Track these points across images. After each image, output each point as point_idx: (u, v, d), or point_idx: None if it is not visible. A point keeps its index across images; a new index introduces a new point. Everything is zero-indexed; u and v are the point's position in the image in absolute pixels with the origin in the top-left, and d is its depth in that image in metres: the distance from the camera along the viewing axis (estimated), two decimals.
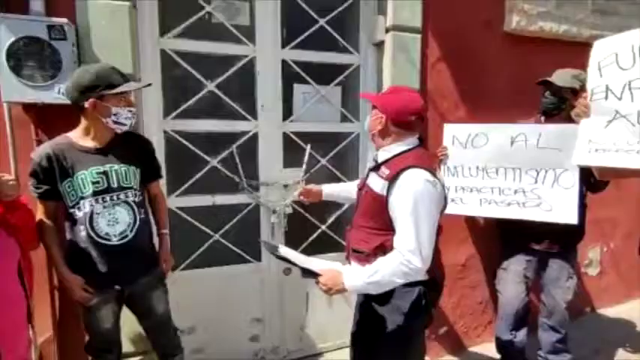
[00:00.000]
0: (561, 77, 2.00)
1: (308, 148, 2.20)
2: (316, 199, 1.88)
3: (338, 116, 2.38)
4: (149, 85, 1.69)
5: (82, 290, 1.47)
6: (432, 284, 1.48)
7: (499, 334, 2.34)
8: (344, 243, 2.38)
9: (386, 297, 1.44)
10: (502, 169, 2.06)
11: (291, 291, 2.37)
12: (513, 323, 2.27)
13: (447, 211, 1.99)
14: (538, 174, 1.99)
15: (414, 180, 1.32)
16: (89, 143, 1.49)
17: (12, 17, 1.50)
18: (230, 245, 2.21)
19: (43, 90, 1.56)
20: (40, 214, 1.48)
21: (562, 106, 2.02)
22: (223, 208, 2.17)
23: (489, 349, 2.55)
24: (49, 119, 1.64)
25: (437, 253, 1.48)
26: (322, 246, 2.38)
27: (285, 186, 2.24)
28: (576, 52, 2.51)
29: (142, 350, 1.89)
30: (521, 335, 2.29)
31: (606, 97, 1.53)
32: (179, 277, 2.07)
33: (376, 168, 1.46)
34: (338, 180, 2.35)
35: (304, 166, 2.21)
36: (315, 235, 2.38)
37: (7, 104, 1.58)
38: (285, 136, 2.24)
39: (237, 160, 2.14)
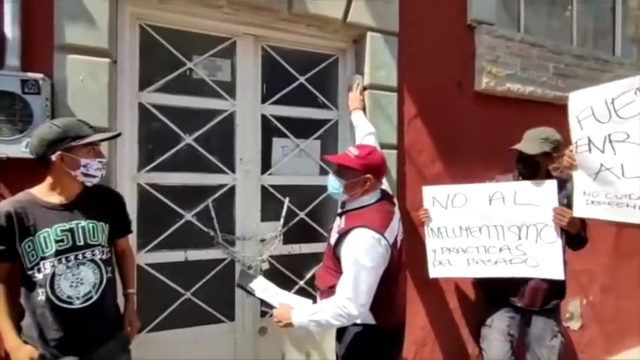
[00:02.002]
0: (530, 143, 2.04)
1: (286, 201, 2.18)
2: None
3: (317, 169, 2.39)
4: (119, 135, 1.62)
5: None
6: (375, 331, 1.62)
7: None
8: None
9: (340, 335, 1.69)
10: (485, 227, 2.05)
11: (266, 352, 2.22)
12: None
13: (437, 274, 2.11)
14: (520, 230, 1.99)
15: (360, 237, 1.48)
16: (54, 199, 1.42)
17: None
18: (202, 304, 2.09)
19: (9, 144, 1.51)
20: None
21: (537, 170, 2.07)
22: (196, 264, 2.07)
23: None
24: (14, 174, 1.57)
25: (396, 301, 1.68)
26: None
27: (262, 240, 2.17)
28: (543, 110, 2.71)
29: None
30: None
31: (590, 150, 1.58)
32: (145, 339, 1.91)
33: (342, 214, 1.66)
34: (317, 233, 2.31)
35: (282, 220, 2.18)
36: (293, 291, 2.28)
37: None
38: (264, 189, 2.22)
39: (213, 213, 2.08)
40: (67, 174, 1.41)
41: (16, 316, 1.38)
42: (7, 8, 1.55)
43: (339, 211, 1.70)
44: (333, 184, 1.66)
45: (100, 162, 1.46)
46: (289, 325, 1.55)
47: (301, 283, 2.31)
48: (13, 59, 1.55)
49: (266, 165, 2.24)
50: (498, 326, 2.21)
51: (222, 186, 2.13)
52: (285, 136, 2.29)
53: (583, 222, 1.97)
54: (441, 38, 2.49)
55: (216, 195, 2.12)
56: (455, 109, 2.55)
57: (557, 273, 1.92)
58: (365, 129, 2.10)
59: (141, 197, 1.97)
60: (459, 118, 2.56)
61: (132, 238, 1.79)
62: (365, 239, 1.47)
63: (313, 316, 1.50)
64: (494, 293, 2.25)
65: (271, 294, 1.75)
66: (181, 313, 2.05)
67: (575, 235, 1.96)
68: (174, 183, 2.05)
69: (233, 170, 2.15)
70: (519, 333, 2.22)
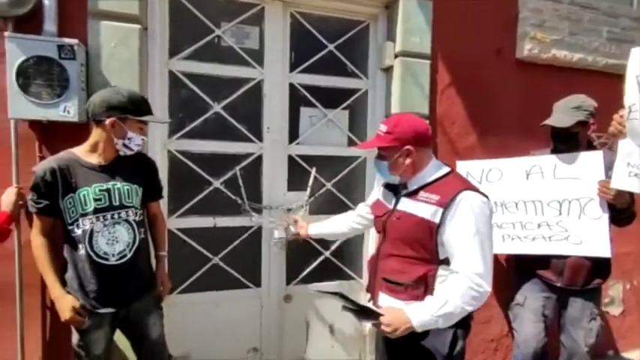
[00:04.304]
0: (561, 114, 1.89)
1: (313, 171, 2.17)
2: (302, 237, 1.92)
3: (345, 140, 2.35)
4: (168, 122, 1.83)
5: (73, 312, 1.41)
6: (467, 322, 1.39)
7: None
8: (347, 270, 2.34)
9: (420, 338, 1.34)
10: (521, 202, 1.96)
11: (290, 319, 2.27)
12: None
13: None
14: (561, 205, 1.89)
15: (472, 202, 1.28)
16: (94, 160, 1.48)
17: (22, 37, 1.54)
18: (229, 269, 2.15)
19: (49, 108, 1.57)
20: (36, 229, 1.45)
21: (575, 143, 1.92)
22: (224, 231, 2.12)
23: None
24: (53, 136, 1.65)
25: None
26: (325, 273, 2.30)
27: (289, 210, 2.18)
28: (593, 80, 2.49)
29: None
30: None
31: None
32: (175, 300, 2.00)
33: (411, 194, 1.40)
34: (343, 204, 2.29)
35: (309, 190, 2.18)
36: (317, 262, 2.30)
37: (14, 120, 1.59)
38: (290, 159, 2.21)
39: (241, 182, 2.11)
40: (110, 139, 1.46)
41: (60, 268, 1.48)
42: None
43: (405, 191, 1.44)
44: (380, 168, 1.47)
45: (142, 139, 1.52)
46: (408, 329, 1.25)
47: (327, 253, 2.31)
48: (50, 25, 1.60)
49: (293, 134, 2.23)
50: (532, 306, 2.10)
51: (249, 155, 2.15)
52: (313, 105, 2.26)
53: (631, 196, 1.81)
54: (480, 1, 2.32)
55: (244, 163, 2.13)
56: (492, 78, 2.39)
57: (603, 250, 1.80)
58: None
59: (171, 164, 2.02)
60: (496, 88, 2.41)
61: (163, 204, 1.86)
62: (479, 203, 1.28)
63: (442, 310, 1.23)
64: (528, 270, 2.13)
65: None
66: (209, 277, 2.12)
67: (621, 209, 1.82)
68: (203, 150, 2.08)
69: (260, 139, 2.16)
70: (554, 315, 2.10)
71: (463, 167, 2.09)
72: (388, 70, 2.27)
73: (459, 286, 1.25)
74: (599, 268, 1.97)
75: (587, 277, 1.99)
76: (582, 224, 1.84)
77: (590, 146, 1.96)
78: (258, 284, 2.21)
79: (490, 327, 2.51)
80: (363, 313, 1.34)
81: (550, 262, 2.00)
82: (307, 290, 2.23)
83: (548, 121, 1.92)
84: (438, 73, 2.28)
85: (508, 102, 2.43)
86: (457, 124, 2.34)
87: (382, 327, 1.28)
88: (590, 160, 1.80)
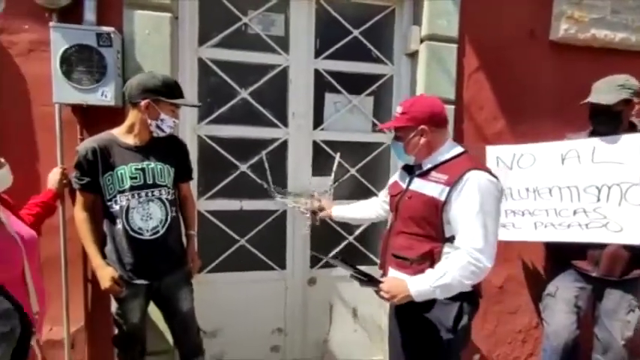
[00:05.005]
0: (604, 93, 1.81)
1: (337, 156, 2.18)
2: (326, 217, 1.95)
3: (369, 126, 2.35)
4: (199, 105, 1.92)
5: (112, 281, 1.52)
6: (473, 297, 1.42)
7: None
8: (370, 255, 2.35)
9: (425, 310, 1.40)
10: (556, 188, 1.89)
11: (314, 301, 2.32)
12: (560, 358, 2.01)
13: (500, 237, 1.85)
14: (600, 191, 1.81)
15: (479, 180, 1.31)
16: (130, 140, 1.58)
17: (65, 27, 1.65)
18: (255, 251, 2.22)
19: (89, 92, 1.68)
20: (78, 205, 1.58)
21: (618, 124, 1.84)
22: (250, 214, 2.20)
23: None
24: (92, 120, 1.77)
25: None
26: (349, 257, 2.31)
27: (312, 195, 2.21)
28: (635, 62, 2.34)
29: (163, 349, 1.91)
30: None
31: None
32: (204, 279, 2.09)
33: (423, 174, 1.44)
34: (367, 190, 2.30)
35: (333, 175, 2.20)
36: (341, 246, 2.32)
37: (58, 105, 1.71)
38: (315, 144, 2.25)
39: (267, 166, 2.16)
40: (144, 121, 1.55)
41: (100, 241, 1.59)
42: None
43: (418, 171, 1.48)
44: (396, 149, 1.52)
45: (174, 122, 1.61)
46: (406, 298, 1.32)
47: (350, 238, 2.34)
48: (89, 15, 1.70)
49: (318, 120, 2.26)
50: (564, 296, 2.02)
51: (275, 140, 2.20)
52: (338, 91, 2.27)
53: None
54: None
55: (270, 148, 2.19)
56: (524, 62, 2.30)
57: None
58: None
59: (200, 148, 2.10)
60: (528, 72, 2.32)
61: (193, 186, 1.94)
62: (485, 182, 1.31)
63: (440, 281, 1.28)
64: (562, 260, 2.05)
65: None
66: (236, 258, 2.20)
67: None
68: (231, 135, 2.15)
69: (286, 124, 2.20)
70: (588, 306, 2.02)
71: (493, 152, 2.04)
72: (414, 55, 2.25)
73: (459, 260, 1.29)
74: (639, 258, 1.88)
75: (626, 267, 1.89)
76: (623, 211, 1.75)
77: (633, 128, 1.86)
78: (283, 266, 2.27)
79: (518, 317, 2.45)
80: (367, 278, 1.39)
81: (586, 252, 1.92)
82: (332, 273, 2.28)
83: (590, 99, 1.84)
84: (465, 57, 2.22)
85: (540, 86, 2.33)
86: (485, 109, 2.28)
87: (381, 293, 1.35)
88: (634, 143, 1.70)
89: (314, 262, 2.30)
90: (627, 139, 1.73)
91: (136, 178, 1.55)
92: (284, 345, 2.30)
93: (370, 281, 1.37)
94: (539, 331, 2.43)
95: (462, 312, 1.38)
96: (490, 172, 1.36)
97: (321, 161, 2.26)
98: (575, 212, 1.87)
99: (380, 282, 1.36)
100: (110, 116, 1.73)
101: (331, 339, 2.37)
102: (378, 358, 2.42)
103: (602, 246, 1.87)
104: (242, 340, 2.22)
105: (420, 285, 1.30)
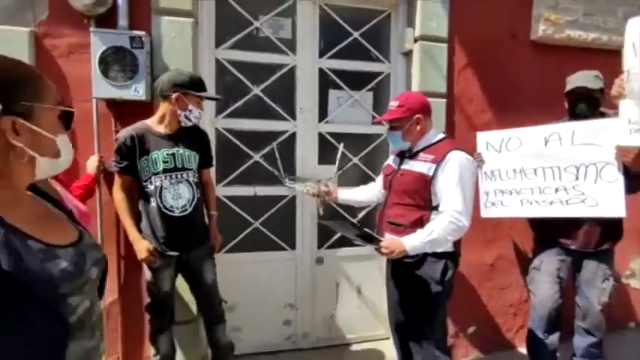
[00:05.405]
0: (586, 81, 2.04)
1: (340, 146, 2.40)
2: (332, 200, 2.16)
3: (369, 119, 2.59)
4: (220, 98, 2.11)
5: (148, 253, 1.74)
6: (455, 256, 1.69)
7: (531, 335, 2.31)
8: (374, 234, 2.57)
9: (417, 268, 1.69)
10: (540, 169, 2.05)
11: (322, 280, 2.53)
12: (546, 325, 2.23)
13: (489, 214, 2.12)
14: (578, 170, 1.97)
15: (459, 158, 1.63)
16: (162, 129, 1.81)
17: (103, 31, 1.88)
18: (268, 233, 2.44)
19: (123, 89, 1.90)
20: (117, 186, 1.80)
21: (596, 108, 2.06)
22: (263, 199, 2.42)
23: (520, 354, 2.53)
24: (124, 113, 1.99)
25: None
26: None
27: (319, 181, 2.43)
28: (608, 59, 2.57)
29: (188, 319, 2.12)
30: (553, 338, 2.24)
31: None
32: (222, 259, 2.30)
33: (413, 155, 1.75)
34: (368, 177, 2.53)
35: (337, 163, 2.42)
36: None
37: (95, 100, 1.93)
38: (321, 136, 2.48)
39: (277, 155, 2.39)
40: (174, 112, 1.78)
41: (135, 218, 1.81)
42: None
43: (408, 154, 1.78)
44: (393, 138, 1.79)
45: (200, 112, 1.84)
46: (402, 252, 1.57)
47: (354, 221, 2.55)
48: (123, 20, 1.93)
49: (323, 114, 2.49)
50: (548, 268, 2.23)
51: (284, 132, 2.43)
52: (341, 87, 2.51)
53: None
54: None
55: (280, 139, 2.42)
56: (508, 59, 2.56)
57: (618, 210, 1.87)
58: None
59: (218, 139, 2.33)
60: (511, 68, 2.57)
61: (212, 173, 2.16)
62: (463, 159, 1.64)
63: (429, 237, 1.55)
64: (545, 236, 2.28)
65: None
66: (251, 240, 2.42)
67: (636, 174, 1.89)
68: (245, 128, 2.38)
69: (294, 118, 2.43)
70: (569, 277, 2.24)
71: (483, 138, 2.18)
72: (408, 54, 2.49)
73: (443, 220, 1.58)
74: (610, 231, 2.11)
75: (599, 239, 2.12)
76: (598, 187, 1.91)
77: (602, 116, 2.09)
78: (293, 247, 2.49)
79: (509, 293, 2.68)
80: (367, 238, 1.63)
81: (565, 227, 2.13)
82: (338, 254, 2.50)
83: (576, 84, 2.06)
84: (455, 55, 2.47)
85: (523, 81, 2.58)
86: (474, 102, 2.52)
87: (382, 250, 1.60)
88: (608, 127, 1.86)
89: (321, 242, 2.52)
90: (602, 123, 1.90)
91: (167, 161, 1.77)
92: (295, 319, 2.51)
93: (373, 240, 1.61)
94: (528, 306, 2.65)
95: (447, 267, 1.67)
96: (467, 152, 1.66)
97: (326, 151, 2.49)
98: (556, 190, 2.04)
99: (380, 240, 1.63)
100: (140, 109, 1.95)
101: (337, 314, 2.59)
102: (380, 332, 2.63)
103: (578, 221, 2.09)
104: (257, 315, 2.43)
105: (413, 241, 1.58)
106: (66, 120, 0.82)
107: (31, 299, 0.67)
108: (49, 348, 0.71)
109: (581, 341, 2.25)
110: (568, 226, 2.14)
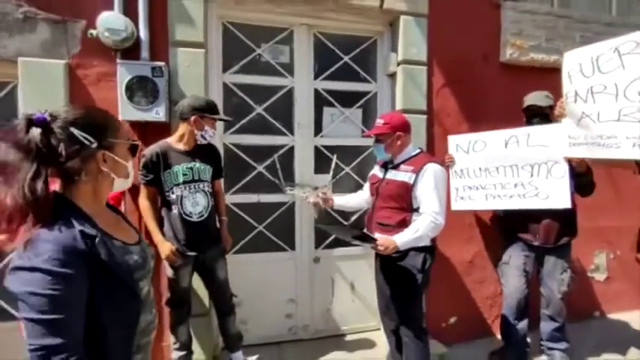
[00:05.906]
0: (540, 100, 2.43)
1: (334, 157, 2.72)
2: (329, 206, 2.44)
3: (359, 133, 2.91)
4: (231, 120, 2.45)
5: (170, 253, 2.02)
6: (432, 250, 2.03)
7: (504, 322, 2.63)
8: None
9: (401, 260, 2.00)
10: (501, 167, 2.34)
11: (319, 277, 2.83)
12: (516, 313, 2.55)
13: (459, 207, 2.45)
14: (533, 168, 2.25)
15: (434, 169, 1.96)
16: (181, 147, 2.10)
17: (128, 62, 2.18)
18: (270, 235, 2.73)
19: (145, 112, 2.20)
20: (143, 196, 2.08)
21: (547, 121, 2.41)
22: (266, 205, 2.72)
23: (497, 341, 2.82)
24: (147, 133, 2.28)
25: None
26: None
27: (316, 188, 2.74)
28: None
29: (202, 312, 2.40)
30: (522, 324, 2.56)
31: (575, 101, 1.91)
32: (230, 259, 2.57)
33: (395, 167, 2.07)
34: (359, 184, 2.85)
35: (331, 173, 2.73)
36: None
37: (123, 121, 2.22)
38: (316, 148, 2.79)
39: (278, 166, 2.69)
40: (192, 132, 2.08)
41: (158, 223, 2.09)
42: (141, 17, 2.22)
43: (390, 165, 2.11)
44: (378, 150, 2.13)
45: (214, 132, 2.13)
46: (395, 248, 1.84)
47: (346, 224, 2.86)
48: (145, 52, 2.23)
49: (318, 129, 2.81)
50: (515, 263, 2.57)
51: (284, 145, 2.74)
52: (334, 105, 2.83)
53: (589, 167, 2.27)
54: (468, 16, 2.85)
55: (280, 152, 2.72)
56: (480, 79, 2.91)
57: (564, 202, 2.15)
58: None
59: (226, 153, 2.62)
60: (484, 87, 2.92)
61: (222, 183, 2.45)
62: (437, 170, 1.96)
63: (415, 235, 1.87)
64: (510, 233, 2.61)
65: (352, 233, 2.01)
66: (256, 242, 2.72)
67: (582, 175, 2.24)
68: (249, 143, 2.68)
69: (292, 133, 2.74)
70: (534, 270, 2.58)
71: (453, 141, 2.49)
72: (393, 76, 2.82)
73: (424, 220, 1.91)
74: (567, 227, 2.46)
75: (558, 235, 2.46)
76: (549, 183, 2.19)
77: None
78: (292, 248, 2.78)
79: (485, 286, 3.00)
80: (363, 238, 1.90)
81: (528, 226, 2.49)
82: (333, 254, 2.80)
83: (531, 102, 2.47)
84: (434, 76, 2.81)
85: (493, 97, 2.93)
86: (451, 116, 2.86)
87: (377, 247, 1.85)
88: (555, 131, 2.17)
89: (318, 243, 2.82)
90: (552, 128, 2.19)
91: (186, 174, 2.07)
92: (296, 313, 2.80)
93: (368, 239, 1.89)
94: (502, 297, 2.97)
95: (426, 259, 2.00)
96: (440, 164, 2.01)
97: (321, 162, 2.80)
98: (515, 185, 2.31)
99: (375, 239, 1.88)
100: (160, 129, 2.25)
101: (334, 308, 2.88)
102: (372, 324, 2.93)
103: (538, 219, 2.42)
104: (262, 309, 2.71)
105: (403, 238, 1.88)
106: (132, 150, 1.12)
107: (120, 283, 0.96)
108: (131, 317, 1.01)
109: (546, 327, 2.59)
110: (528, 221, 2.47)
